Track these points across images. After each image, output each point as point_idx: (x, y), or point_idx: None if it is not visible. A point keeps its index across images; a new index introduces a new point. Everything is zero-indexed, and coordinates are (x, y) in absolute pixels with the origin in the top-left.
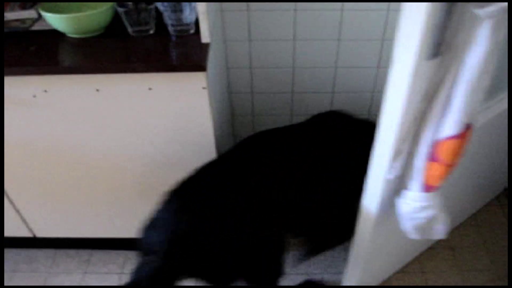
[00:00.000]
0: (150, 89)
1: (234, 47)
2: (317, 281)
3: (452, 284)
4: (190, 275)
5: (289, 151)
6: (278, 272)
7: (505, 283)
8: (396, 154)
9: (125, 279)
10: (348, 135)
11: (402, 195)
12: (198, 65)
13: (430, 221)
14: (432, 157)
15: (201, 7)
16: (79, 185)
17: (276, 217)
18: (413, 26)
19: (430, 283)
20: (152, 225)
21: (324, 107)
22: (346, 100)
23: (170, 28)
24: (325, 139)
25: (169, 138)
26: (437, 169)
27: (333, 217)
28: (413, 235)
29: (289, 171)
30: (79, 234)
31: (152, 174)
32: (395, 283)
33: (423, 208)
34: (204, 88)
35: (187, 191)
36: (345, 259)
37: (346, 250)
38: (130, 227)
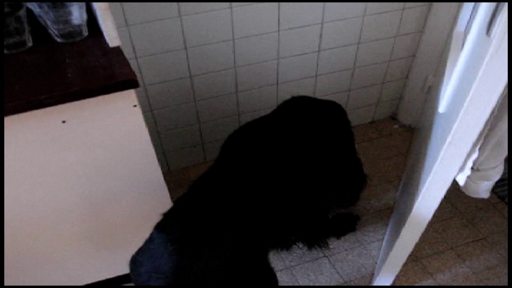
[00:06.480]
0: (63, 122)
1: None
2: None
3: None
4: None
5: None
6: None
7: None
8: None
9: None
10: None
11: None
12: (128, 81)
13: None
14: None
15: None
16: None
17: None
18: None
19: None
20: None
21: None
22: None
23: (54, 33)
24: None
25: (107, 175)
26: None
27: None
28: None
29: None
30: None
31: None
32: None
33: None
34: (135, 106)
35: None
36: None
37: None
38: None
